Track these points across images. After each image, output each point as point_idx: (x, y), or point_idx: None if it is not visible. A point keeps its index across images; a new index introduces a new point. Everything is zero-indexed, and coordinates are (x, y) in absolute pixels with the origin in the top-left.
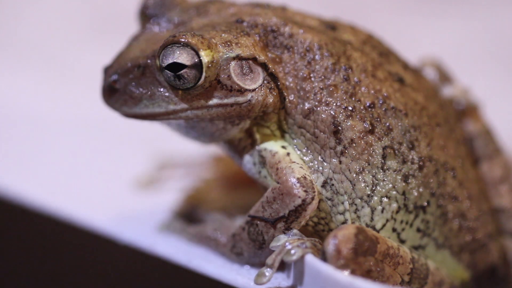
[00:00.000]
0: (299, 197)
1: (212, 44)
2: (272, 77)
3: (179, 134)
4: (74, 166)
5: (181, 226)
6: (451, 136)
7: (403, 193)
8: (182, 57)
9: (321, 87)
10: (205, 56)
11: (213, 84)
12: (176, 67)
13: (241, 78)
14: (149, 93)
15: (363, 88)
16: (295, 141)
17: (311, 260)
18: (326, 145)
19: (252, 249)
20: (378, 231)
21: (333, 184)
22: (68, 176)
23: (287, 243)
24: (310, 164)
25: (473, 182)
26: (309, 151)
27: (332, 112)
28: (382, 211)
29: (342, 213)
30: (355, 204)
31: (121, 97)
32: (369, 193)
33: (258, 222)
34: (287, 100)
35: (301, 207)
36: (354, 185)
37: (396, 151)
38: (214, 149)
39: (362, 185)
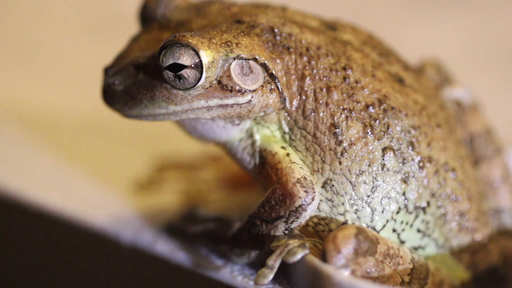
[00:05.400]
0: (300, 197)
1: (212, 44)
2: (272, 77)
3: (181, 129)
4: (74, 166)
5: (181, 227)
6: (451, 136)
7: (403, 194)
8: (182, 57)
9: (321, 87)
10: (205, 57)
11: (213, 84)
12: (176, 67)
13: (241, 78)
14: (149, 93)
15: (363, 89)
16: (295, 142)
17: (311, 260)
18: (326, 146)
19: (252, 249)
20: (378, 232)
21: (333, 185)
22: (68, 176)
23: (287, 244)
24: (310, 165)
25: (473, 183)
26: (309, 152)
27: (332, 113)
28: (382, 212)
29: (342, 214)
30: (355, 205)
31: (122, 97)
32: (369, 193)
33: (258, 222)
34: (287, 100)
35: (301, 207)
36: (354, 186)
37: (396, 152)
38: (214, 149)
39: (362, 186)
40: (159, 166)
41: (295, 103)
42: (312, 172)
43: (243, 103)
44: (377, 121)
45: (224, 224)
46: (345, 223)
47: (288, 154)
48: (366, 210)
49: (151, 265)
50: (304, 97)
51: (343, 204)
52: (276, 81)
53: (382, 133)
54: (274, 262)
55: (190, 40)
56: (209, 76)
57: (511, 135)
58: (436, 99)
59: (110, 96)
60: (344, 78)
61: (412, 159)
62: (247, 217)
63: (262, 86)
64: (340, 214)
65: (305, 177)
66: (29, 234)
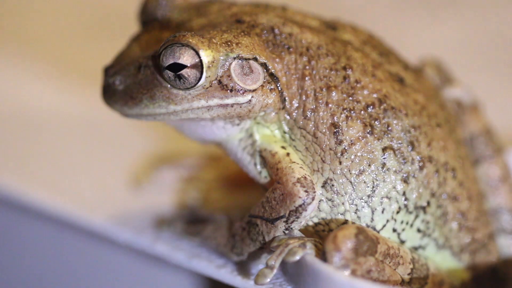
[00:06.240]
0: (300, 197)
1: (212, 44)
2: (273, 77)
3: (179, 133)
4: (73, 165)
5: (181, 226)
6: (451, 136)
7: (404, 194)
8: (182, 57)
9: (321, 87)
10: (206, 56)
11: (213, 84)
12: (176, 67)
13: (242, 78)
14: (149, 93)
15: (363, 89)
16: (295, 141)
17: (312, 260)
18: (326, 146)
19: (252, 249)
20: (378, 232)
21: (333, 185)
22: (67, 175)
23: (287, 244)
24: (310, 164)
25: (473, 183)
26: (309, 152)
27: (332, 112)
28: (382, 212)
29: (343, 214)
30: (356, 205)
31: (122, 97)
32: (369, 193)
33: (259, 222)
34: (287, 100)
35: (301, 207)
36: (355, 185)
37: (396, 152)
38: (214, 149)
39: (363, 186)
40: (159, 166)
41: (295, 103)
42: (312, 172)
43: (243, 103)
44: (377, 120)
45: (224, 224)
46: (345, 223)
47: (288, 154)
48: (366, 210)
49: (151, 265)
50: (304, 97)
51: (343, 204)
52: (276, 81)
53: (382, 133)
54: (274, 262)
55: (190, 40)
56: (209, 76)
57: (511, 135)
58: (436, 99)
59: (110, 96)
60: (344, 78)
61: (412, 159)
62: (247, 217)
63: (262, 86)
64: (340, 214)
65: (305, 177)
66: (29, 234)
